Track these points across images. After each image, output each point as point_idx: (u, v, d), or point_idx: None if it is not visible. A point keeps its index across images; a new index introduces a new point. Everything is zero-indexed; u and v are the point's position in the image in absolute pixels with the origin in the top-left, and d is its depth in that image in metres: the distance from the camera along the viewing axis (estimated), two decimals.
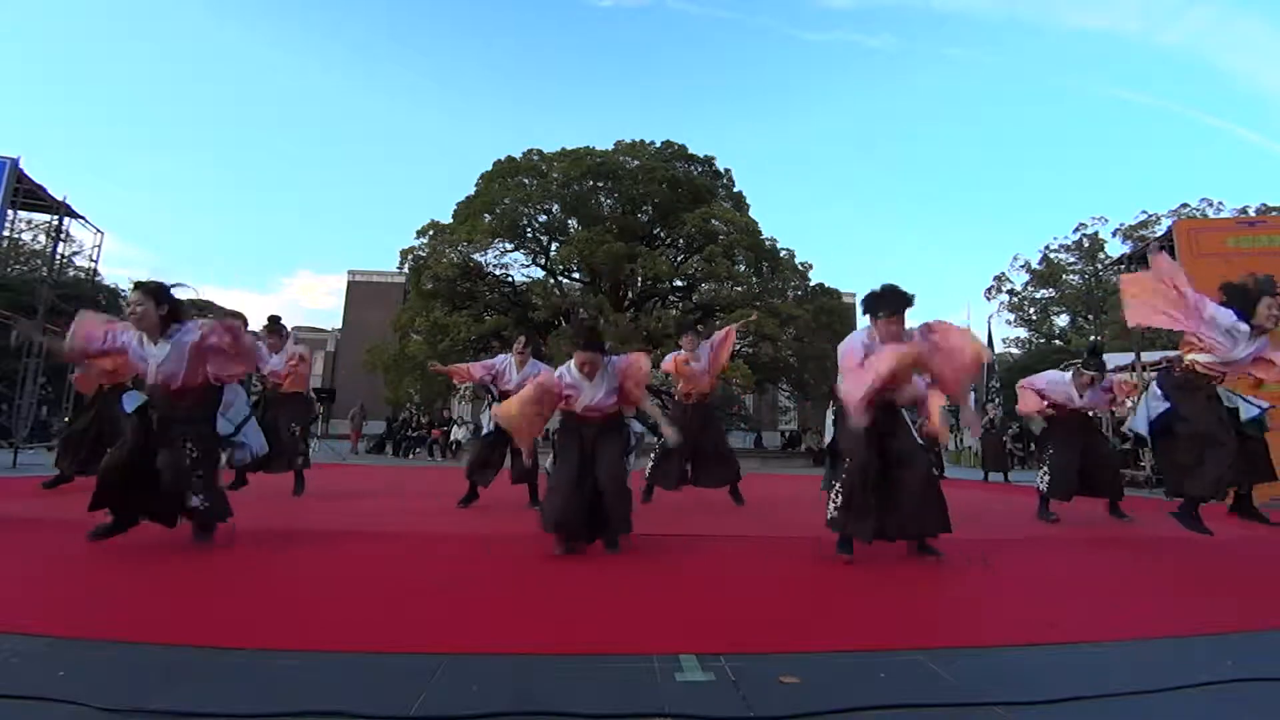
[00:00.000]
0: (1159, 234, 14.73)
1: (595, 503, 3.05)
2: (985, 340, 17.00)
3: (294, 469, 5.13)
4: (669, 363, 5.33)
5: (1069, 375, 4.67)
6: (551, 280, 20.01)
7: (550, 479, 3.24)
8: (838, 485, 2.95)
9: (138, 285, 2.96)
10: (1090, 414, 4.97)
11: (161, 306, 2.91)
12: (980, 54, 76.36)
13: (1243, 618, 2.19)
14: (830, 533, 3.07)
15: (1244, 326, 3.09)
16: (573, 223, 19.69)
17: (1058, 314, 32.91)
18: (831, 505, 2.96)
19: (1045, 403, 4.76)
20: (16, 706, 1.28)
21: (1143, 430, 3.42)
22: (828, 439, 3.28)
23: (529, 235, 19.81)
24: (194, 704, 1.30)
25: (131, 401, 3.03)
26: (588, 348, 3.11)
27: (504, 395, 4.73)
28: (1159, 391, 3.36)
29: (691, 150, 20.21)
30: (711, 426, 5.36)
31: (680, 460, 5.15)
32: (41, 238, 21.10)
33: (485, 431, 4.91)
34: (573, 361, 3.16)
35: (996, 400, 14.36)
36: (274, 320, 5.48)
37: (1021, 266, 32.64)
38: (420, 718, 1.28)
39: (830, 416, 3.26)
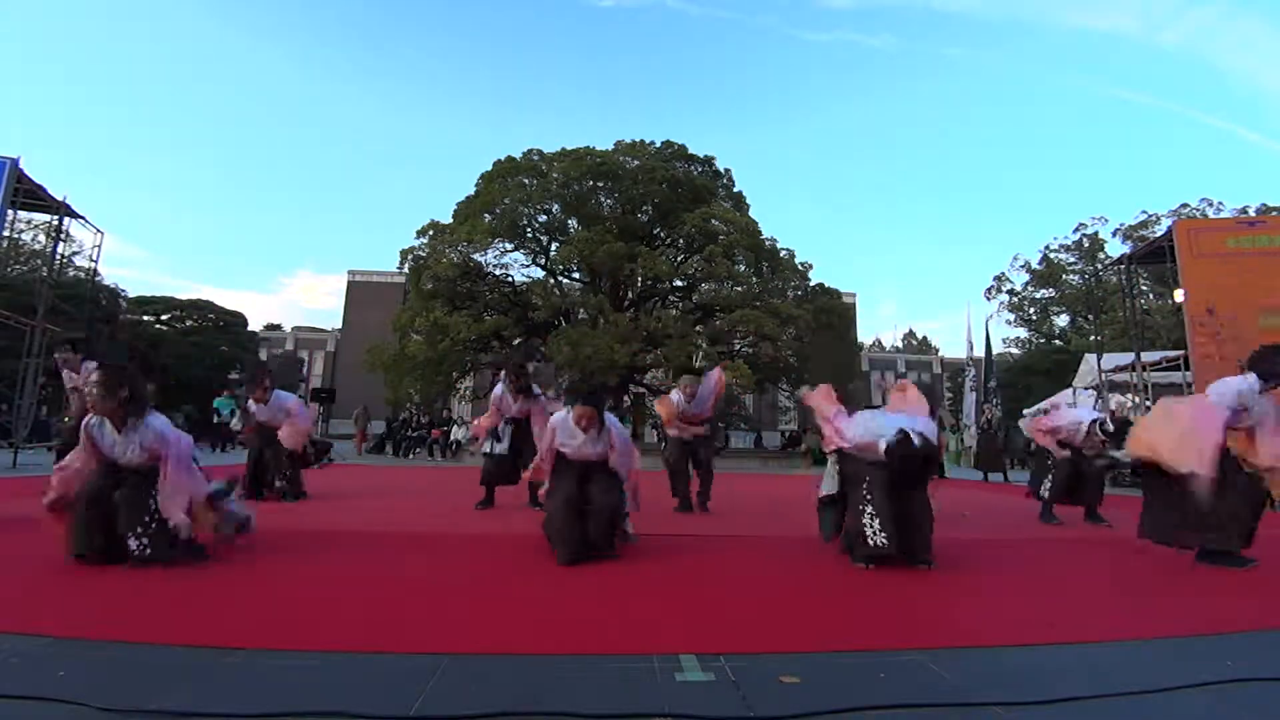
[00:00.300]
0: (1159, 234, 14.70)
1: (586, 518, 3.04)
2: (984, 340, 17.07)
3: (278, 493, 5.28)
4: (665, 414, 5.43)
5: (1084, 426, 4.76)
6: (551, 280, 19.97)
7: (546, 505, 3.25)
8: (872, 511, 2.88)
9: (99, 365, 2.69)
10: None
11: (122, 390, 2.66)
12: (980, 54, 76.55)
13: (1243, 618, 2.20)
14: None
15: (1257, 387, 3.03)
16: (573, 223, 19.65)
17: (1058, 314, 32.94)
18: (873, 539, 2.85)
19: (1056, 439, 4.96)
20: (16, 706, 1.28)
21: (1123, 456, 3.40)
22: (826, 490, 3.24)
23: (529, 235, 19.76)
24: (194, 704, 1.30)
25: None
26: (588, 403, 3.14)
27: (511, 420, 5.06)
28: None
29: (691, 150, 20.17)
30: (708, 435, 5.68)
31: (687, 469, 5.46)
32: (41, 238, 21.19)
33: (493, 451, 5.11)
34: (571, 414, 3.18)
35: (995, 400, 14.35)
36: (259, 370, 5.72)
37: (1021, 266, 32.68)
38: (420, 718, 1.29)
39: (833, 467, 3.22)
